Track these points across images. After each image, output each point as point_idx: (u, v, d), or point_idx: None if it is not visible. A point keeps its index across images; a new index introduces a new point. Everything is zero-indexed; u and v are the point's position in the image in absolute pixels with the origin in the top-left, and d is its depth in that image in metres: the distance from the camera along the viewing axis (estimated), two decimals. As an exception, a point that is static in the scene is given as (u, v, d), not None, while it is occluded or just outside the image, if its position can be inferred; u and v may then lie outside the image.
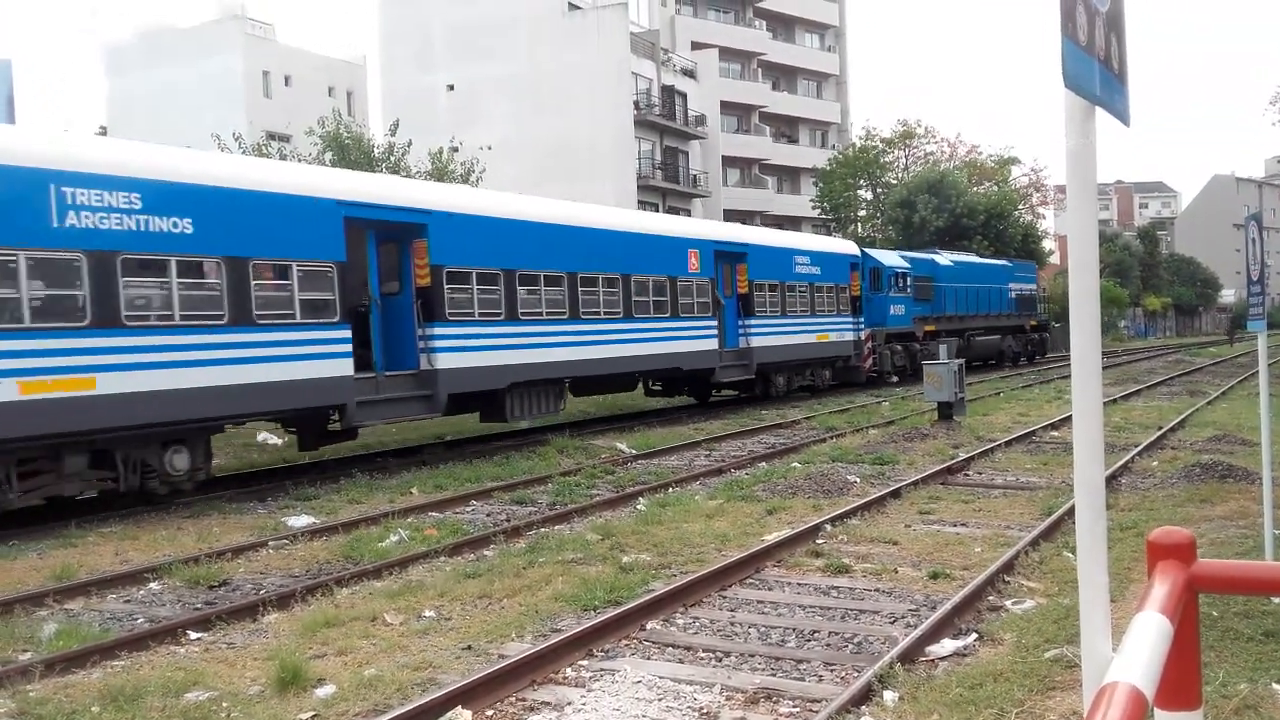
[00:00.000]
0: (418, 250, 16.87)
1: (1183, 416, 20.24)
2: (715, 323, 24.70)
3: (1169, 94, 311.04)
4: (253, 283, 14.10)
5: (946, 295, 36.57)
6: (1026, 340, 44.40)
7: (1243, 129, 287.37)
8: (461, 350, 17.42)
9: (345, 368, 15.38)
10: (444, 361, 17.00)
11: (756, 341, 26.06)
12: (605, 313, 20.90)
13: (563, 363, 19.72)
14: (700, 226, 27.40)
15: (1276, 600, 7.00)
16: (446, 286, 17.14)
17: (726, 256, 25.48)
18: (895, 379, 33.09)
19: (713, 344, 24.51)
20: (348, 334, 15.46)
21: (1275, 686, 5.78)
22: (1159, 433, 17.67)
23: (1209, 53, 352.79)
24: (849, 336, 30.63)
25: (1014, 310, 42.44)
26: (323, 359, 15.05)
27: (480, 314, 17.86)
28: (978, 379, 33.81)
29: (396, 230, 16.67)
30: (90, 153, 12.80)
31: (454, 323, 17.25)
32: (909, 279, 34.20)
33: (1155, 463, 14.71)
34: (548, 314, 19.44)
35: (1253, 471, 12.31)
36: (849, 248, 32.83)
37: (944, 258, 38.58)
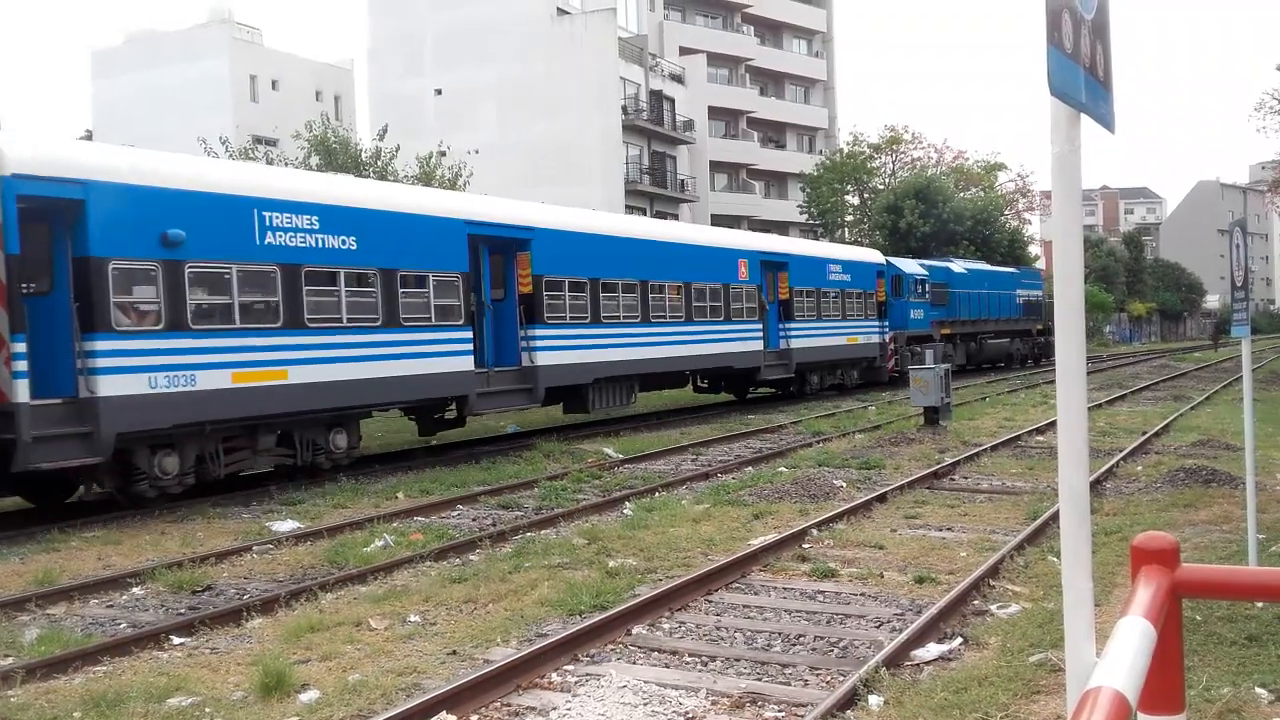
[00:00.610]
0: (521, 261, 19.31)
1: (1167, 421, 20.34)
2: (761, 326, 27.12)
3: (1154, 100, 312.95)
4: (400, 291, 16.55)
5: (960, 301, 38.81)
6: (1033, 343, 46.36)
7: (1227, 135, 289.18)
8: (556, 349, 19.84)
9: (468, 364, 17.84)
10: (542, 359, 19.46)
11: (795, 343, 28.44)
12: (670, 316, 23.55)
13: (636, 360, 22.20)
14: (749, 238, 30.08)
15: (1259, 605, 7.04)
16: (545, 293, 19.62)
17: (771, 265, 27.94)
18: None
19: (758, 345, 26.84)
20: (470, 334, 17.98)
21: (1258, 691, 5.80)
22: (1143, 438, 17.75)
23: (1194, 60, 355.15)
24: (875, 339, 32.87)
25: (1022, 315, 44.61)
26: (451, 356, 17.52)
27: (570, 317, 20.35)
28: (987, 379, 35.64)
29: (504, 244, 19.12)
30: (282, 182, 15.68)
31: (550, 325, 19.75)
32: (927, 285, 36.31)
33: (1140, 467, 14.77)
34: (624, 317, 22.02)
35: (1236, 476, 12.36)
36: (875, 256, 35.01)
37: (958, 265, 40.58)
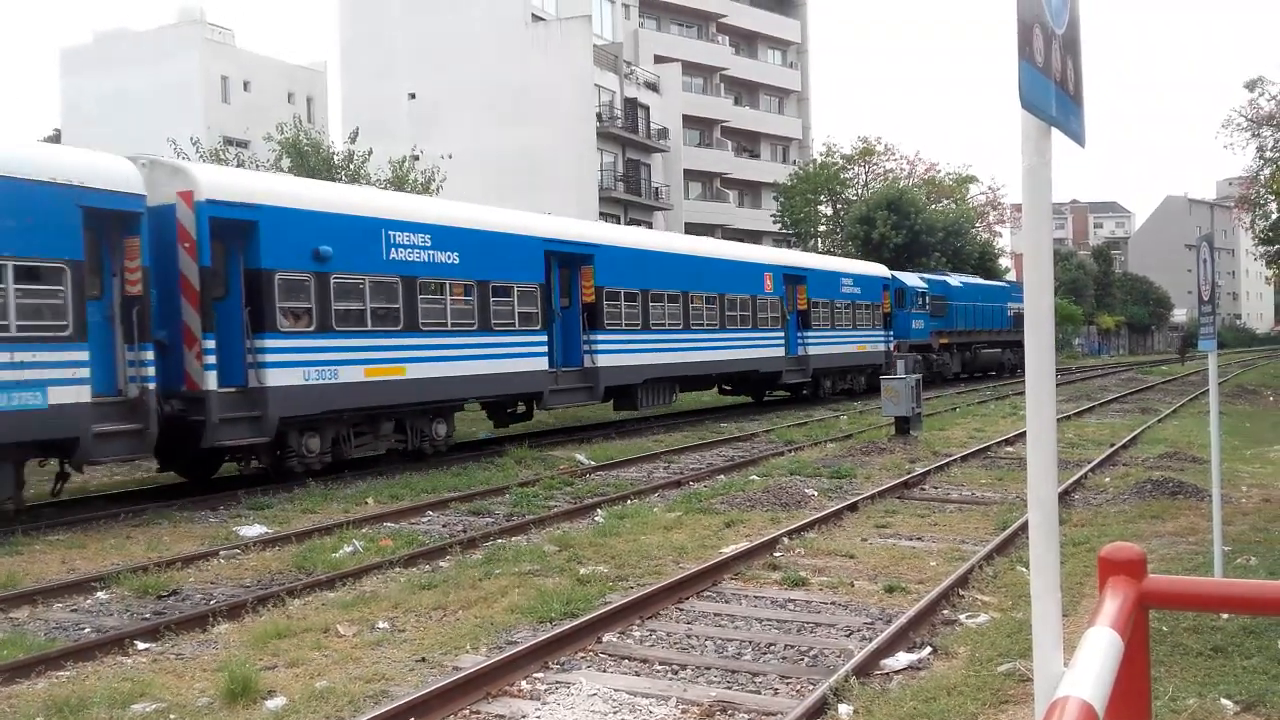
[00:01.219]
0: (585, 274, 21.87)
1: (1135, 434, 20.53)
2: (783, 334, 29.68)
3: (1124, 116, 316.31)
4: (492, 299, 19.02)
5: (957, 312, 41.76)
6: (1019, 354, 47.12)
7: (1196, 151, 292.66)
8: (614, 352, 22.40)
9: (543, 364, 20.34)
10: (603, 361, 22.02)
11: (813, 350, 30.97)
12: (707, 324, 26.18)
13: (678, 364, 24.84)
14: (773, 254, 32.95)
15: (1225, 616, 7.11)
16: (605, 303, 22.17)
17: (791, 278, 30.52)
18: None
19: (781, 351, 29.49)
20: (545, 339, 20.42)
21: (1223, 702, 5.86)
22: (1111, 449, 17.90)
23: (1163, 76, 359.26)
24: (881, 347, 35.24)
25: (1012, 326, 46.98)
26: (531, 357, 19.99)
27: (625, 324, 22.89)
28: (974, 388, 37.47)
29: (572, 259, 21.69)
30: (403, 205, 18.53)
31: (610, 331, 22.33)
32: (927, 298, 39.18)
33: (1107, 479, 14.89)
34: (669, 324, 24.61)
35: (1202, 489, 12.50)
36: (882, 271, 37.36)
37: (955, 279, 43.33)
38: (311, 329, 15.65)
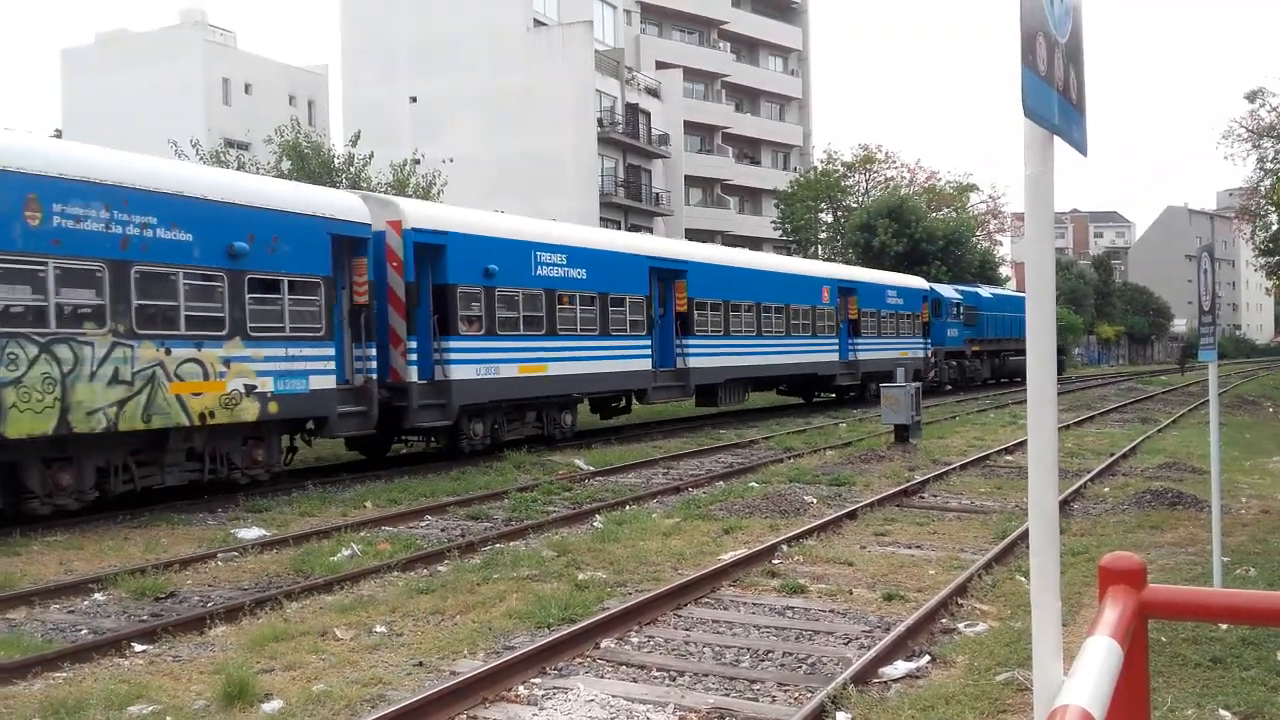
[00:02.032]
0: (679, 287, 25.36)
1: (1134, 444, 20.52)
2: (837, 341, 32.92)
3: (1125, 126, 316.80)
4: (610, 309, 22.39)
5: (986, 322, 45.04)
6: None
7: (1196, 162, 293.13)
8: (702, 355, 25.80)
9: (648, 365, 23.70)
10: (694, 362, 25.39)
11: (862, 355, 34.04)
12: (775, 331, 29.46)
13: (752, 365, 28.08)
14: (829, 268, 36.28)
15: (1224, 627, 7.10)
16: (695, 312, 25.55)
17: (845, 290, 33.68)
18: (949, 387, 41.74)
19: (835, 356, 32.78)
20: (649, 342, 23.86)
21: (1222, 713, 5.85)
22: (1111, 459, 17.89)
23: (1164, 86, 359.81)
24: (921, 353, 38.35)
25: None
26: (638, 358, 23.36)
27: (711, 331, 26.27)
28: (993, 394, 39.43)
29: (669, 274, 25.10)
30: (547, 230, 21.95)
31: (698, 336, 25.72)
32: (961, 308, 42.48)
33: (1107, 489, 14.89)
34: (745, 331, 27.91)
35: (1202, 499, 12.49)
36: (922, 284, 40.37)
37: (986, 291, 47.07)
38: (481, 333, 19.04)
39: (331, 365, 16.01)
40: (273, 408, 15.00)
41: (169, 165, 15.57)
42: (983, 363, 44.90)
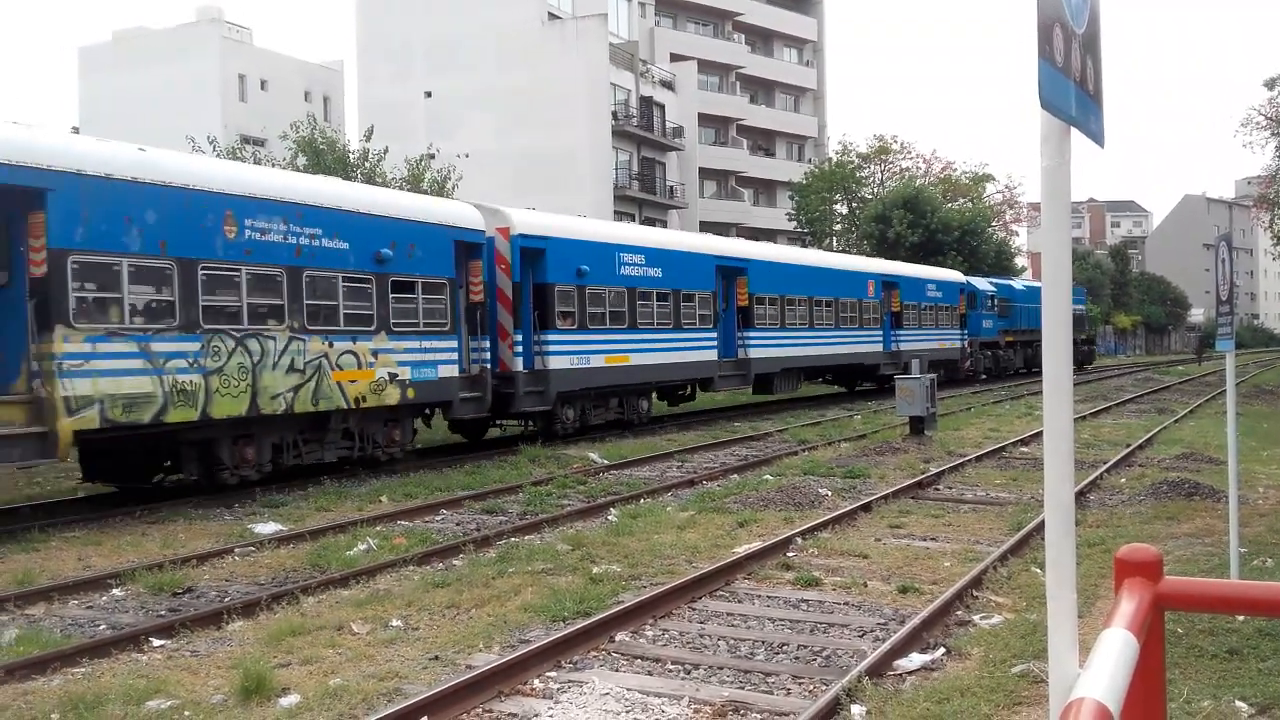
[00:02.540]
0: (740, 284, 27.44)
1: (1151, 434, 20.42)
2: (881, 332, 35.06)
3: (1142, 115, 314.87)
4: (682, 304, 24.60)
5: (1019, 313, 46.92)
6: (1077, 351, 53.34)
7: (1214, 150, 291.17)
8: (761, 346, 27.97)
9: (714, 355, 25.83)
10: (754, 353, 27.57)
11: (904, 346, 35.80)
12: (825, 324, 31.49)
13: (806, 356, 30.17)
14: (873, 264, 37.32)
15: (1241, 618, 7.06)
16: (755, 306, 27.72)
17: (887, 285, 35.66)
18: (984, 376, 43.55)
19: (880, 347, 34.94)
20: (716, 335, 26.02)
21: (1239, 704, 5.82)
22: (1127, 450, 17.82)
23: (1182, 75, 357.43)
24: (958, 344, 40.77)
25: None
26: (706, 349, 25.50)
27: (768, 324, 28.39)
28: (1024, 383, 40.17)
29: (732, 271, 27.22)
30: (628, 233, 25.12)
31: (758, 329, 27.90)
32: (996, 300, 44.37)
33: (1123, 480, 14.82)
34: (799, 324, 30.01)
35: (1219, 490, 12.42)
36: (959, 277, 42.44)
37: (1019, 283, 49.41)
38: (574, 327, 21.16)
39: (455, 356, 18.30)
40: (410, 393, 17.25)
41: (329, 183, 17.69)
42: (1016, 352, 46.98)
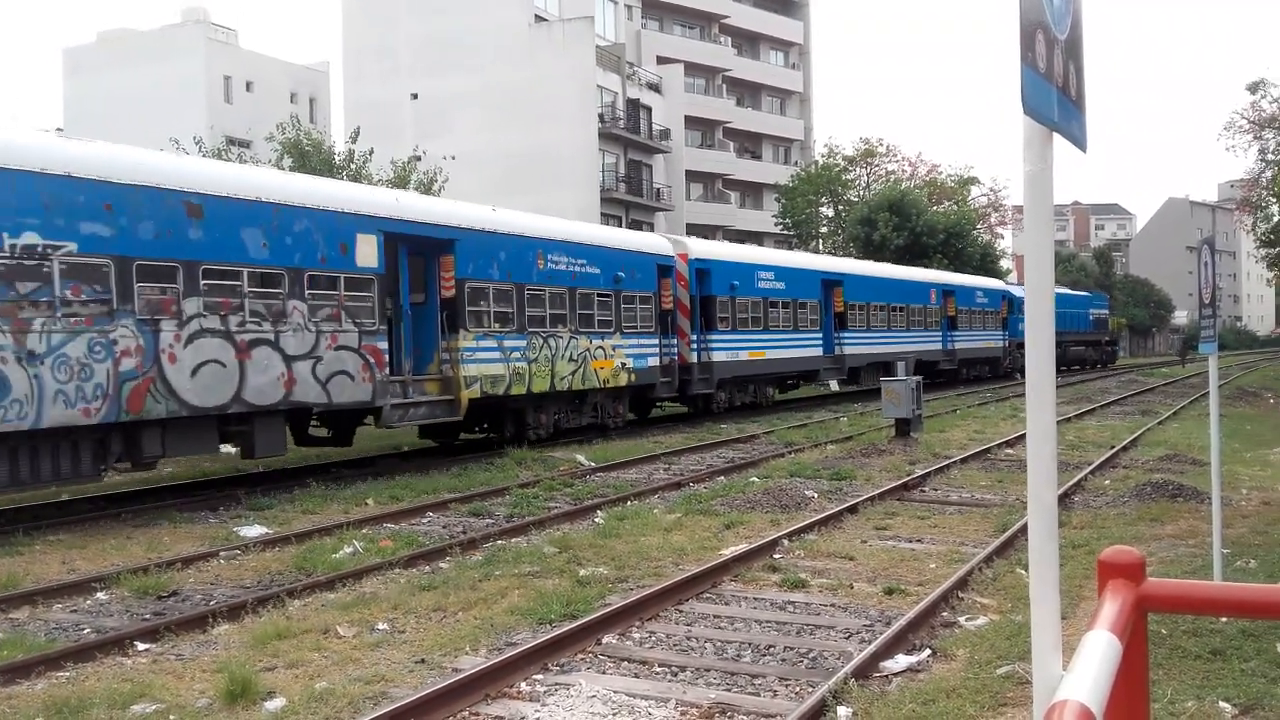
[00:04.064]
0: (837, 293, 33.21)
1: (1135, 436, 20.52)
2: (940, 333, 41.15)
3: (1126, 118, 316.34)
4: (798, 311, 30.45)
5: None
6: (1101, 351, 61.84)
7: (1198, 154, 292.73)
8: (855, 345, 33.74)
9: (819, 352, 31.62)
10: (849, 350, 33.27)
11: (958, 345, 42.52)
12: (900, 326, 37.55)
13: (883, 352, 34.87)
14: (933, 274, 43.63)
15: (1224, 619, 7.10)
16: (849, 311, 33.49)
17: (945, 293, 41.79)
18: (1020, 374, 45.85)
19: (939, 345, 41.02)
20: (821, 335, 31.79)
21: (1222, 705, 5.86)
22: (1111, 451, 17.89)
23: (1165, 79, 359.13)
24: (1000, 343, 46.64)
25: (1093, 329, 59.79)
26: (813, 347, 31.32)
27: (857, 325, 34.07)
28: (997, 387, 40.29)
29: (831, 284, 33.04)
30: (763, 255, 32.42)
31: (851, 330, 33.69)
32: None
33: (1107, 481, 14.89)
34: (879, 326, 35.76)
35: (1202, 491, 12.49)
36: (1001, 284, 49.02)
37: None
38: (729, 329, 26.93)
39: (656, 351, 24.26)
40: (632, 377, 23.22)
41: (586, 226, 25.37)
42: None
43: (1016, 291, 48.34)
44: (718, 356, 26.20)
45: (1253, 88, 44.02)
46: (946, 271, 46.70)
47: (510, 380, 19.20)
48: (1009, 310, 47.30)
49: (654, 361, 24.00)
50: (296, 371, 15.03)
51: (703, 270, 26.10)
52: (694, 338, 25.53)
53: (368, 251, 16.32)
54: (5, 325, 11.70)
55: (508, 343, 19.19)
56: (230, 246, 14.21)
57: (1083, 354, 58.53)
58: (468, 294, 18.37)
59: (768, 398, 29.83)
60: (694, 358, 25.49)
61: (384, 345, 16.63)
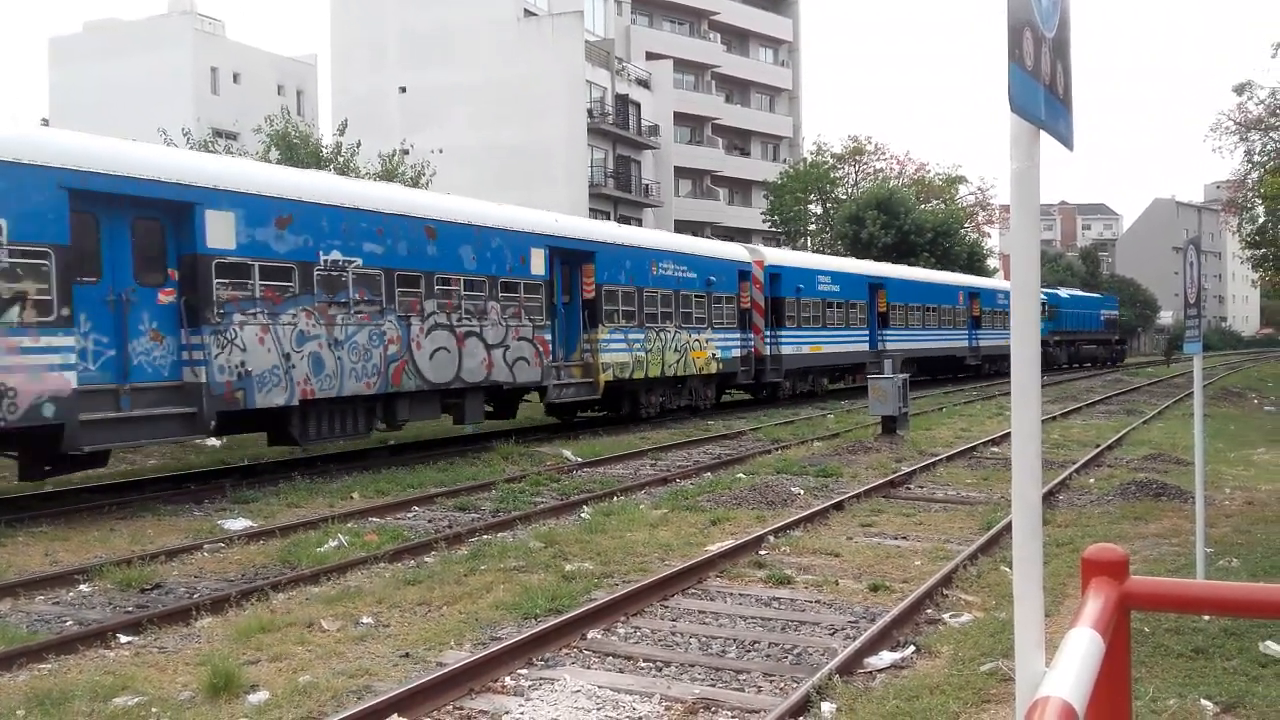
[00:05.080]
0: (880, 295, 37.00)
1: (1119, 435, 20.61)
2: (966, 332, 45.44)
3: (1113, 119, 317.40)
4: (848, 310, 34.27)
5: (1064, 317, 56.76)
6: (1111, 349, 65.19)
7: (1184, 155, 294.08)
8: (895, 341, 37.04)
9: (866, 347, 35.27)
10: (890, 346, 35.83)
11: (982, 343, 46.75)
12: (932, 325, 41.74)
13: (920, 349, 39.77)
14: (962, 278, 47.62)
15: (1206, 618, 7.14)
16: (890, 311, 37.55)
17: (971, 295, 45.98)
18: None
19: (965, 343, 45.45)
20: (868, 332, 35.69)
21: (1204, 703, 5.89)
22: (1096, 450, 17.97)
23: (1153, 80, 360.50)
24: None
25: (1103, 328, 63.77)
26: (861, 343, 35.11)
27: (897, 324, 38.05)
28: (1053, 378, 42.48)
29: (875, 286, 36.71)
30: (820, 261, 35.51)
31: (892, 329, 37.56)
32: (1045, 306, 52.15)
33: (1092, 480, 14.95)
34: (914, 324, 39.95)
35: (1186, 490, 12.56)
36: None
37: (1064, 292, 59.35)
38: (795, 325, 30.70)
39: (738, 343, 28.19)
40: (720, 366, 27.27)
41: (687, 238, 29.45)
42: (1061, 350, 56.39)
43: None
44: (785, 350, 30.06)
45: (1239, 89, 44.21)
46: (973, 275, 50.79)
47: (633, 366, 23.54)
48: None
49: (736, 353, 27.94)
50: (493, 357, 19.27)
51: (774, 275, 29.97)
52: (767, 333, 29.40)
53: (538, 262, 20.55)
54: (320, 320, 15.65)
55: (631, 335, 23.44)
56: (452, 260, 18.34)
57: (1094, 352, 62.21)
58: (604, 296, 22.67)
59: (822, 386, 33.78)
60: (767, 350, 29.35)
61: (549, 337, 20.77)
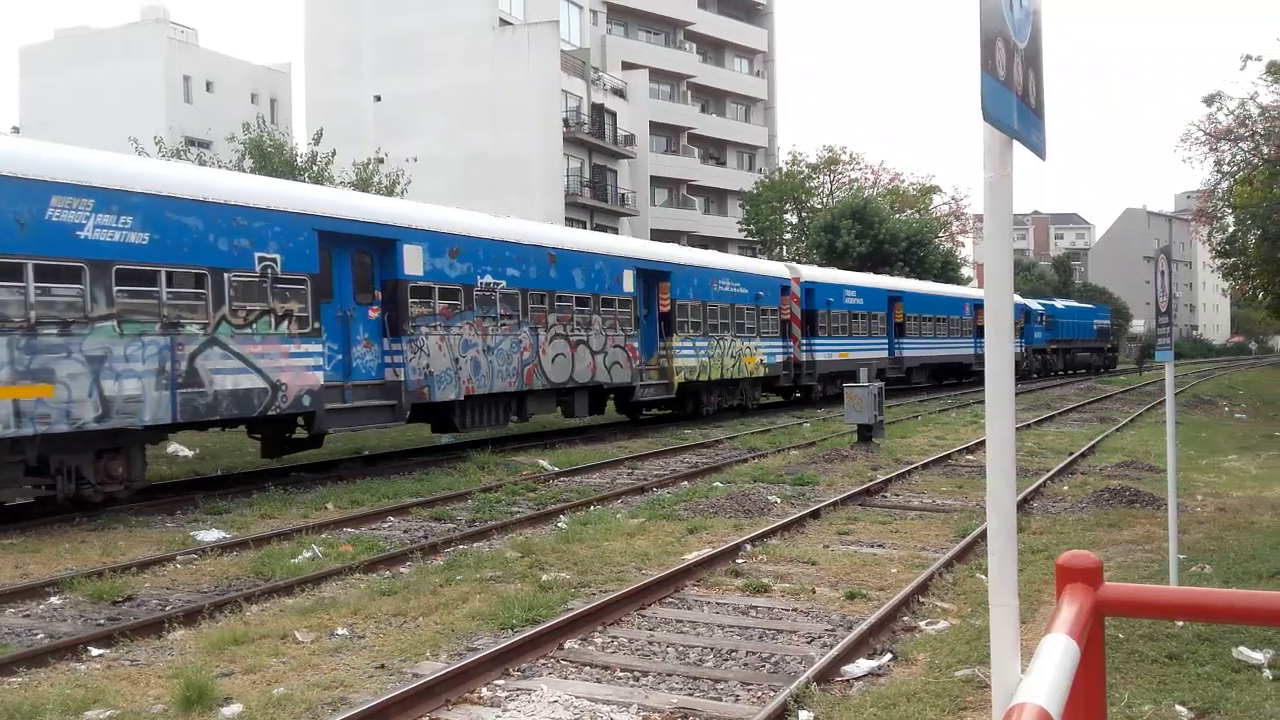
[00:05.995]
0: (897, 306, 39.98)
1: (1093, 442, 20.75)
2: (971, 341, 47.50)
3: (1085, 129, 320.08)
4: (871, 321, 37.20)
5: (1060, 327, 60.50)
6: (1104, 357, 68.72)
7: (1155, 165, 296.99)
8: (910, 350, 41.14)
9: (885, 354, 38.01)
10: (906, 353, 40.39)
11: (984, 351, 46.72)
12: (943, 334, 45.19)
13: (932, 356, 43.79)
14: (967, 291, 50.37)
15: (1180, 624, 7.19)
16: (906, 321, 40.70)
17: (976, 306, 47.06)
18: (1035, 375, 55.01)
19: (970, 350, 47.11)
20: (886, 341, 38.70)
21: (1178, 708, 5.93)
22: (1070, 458, 18.08)
23: (1125, 90, 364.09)
24: (1020, 350, 51.36)
25: (1096, 337, 67.83)
26: (881, 350, 37.98)
27: (912, 335, 41.49)
28: (1027, 387, 42.65)
29: (894, 298, 39.71)
30: (849, 278, 37.90)
31: (908, 337, 41.07)
32: (1043, 316, 57.36)
33: (1066, 487, 15.04)
34: (928, 334, 43.31)
35: (1159, 497, 12.66)
36: (1020, 299, 53.82)
37: (1060, 303, 64.23)
38: (826, 335, 33.77)
39: (781, 350, 31.40)
40: (766, 370, 30.49)
41: (740, 259, 34.80)
42: (1058, 357, 60.32)
43: (1032, 305, 56.65)
44: (819, 356, 33.25)
45: (1209, 100, 44.58)
46: (980, 289, 52.84)
47: (699, 370, 26.85)
48: (1025, 321, 54.54)
49: (779, 358, 31.29)
50: (596, 361, 22.69)
51: (809, 289, 33.20)
52: (804, 342, 32.71)
53: (629, 281, 24.31)
54: (478, 331, 19.21)
55: (698, 343, 26.80)
56: (567, 281, 21.86)
57: (1088, 359, 66.27)
58: (677, 309, 26.13)
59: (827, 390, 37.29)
60: (803, 357, 32.67)
61: (637, 345, 24.29)
